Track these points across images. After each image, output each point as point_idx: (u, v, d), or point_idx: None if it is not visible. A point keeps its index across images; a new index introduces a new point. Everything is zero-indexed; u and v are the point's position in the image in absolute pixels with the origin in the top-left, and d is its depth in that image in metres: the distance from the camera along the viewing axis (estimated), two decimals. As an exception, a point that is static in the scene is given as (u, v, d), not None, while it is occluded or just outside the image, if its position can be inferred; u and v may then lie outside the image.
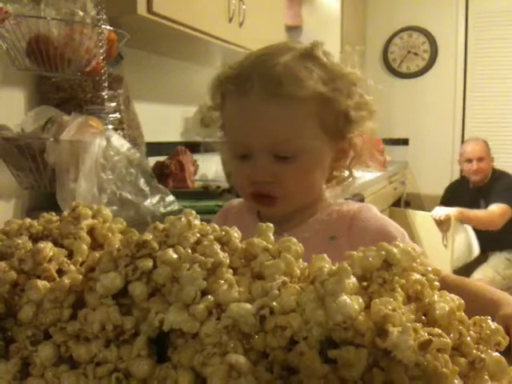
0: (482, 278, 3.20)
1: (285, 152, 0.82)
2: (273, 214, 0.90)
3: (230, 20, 2.15)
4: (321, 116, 0.83)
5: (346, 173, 0.93)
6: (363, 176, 2.28)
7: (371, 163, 0.95)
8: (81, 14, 1.40)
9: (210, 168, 2.56)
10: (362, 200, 2.27)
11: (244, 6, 2.23)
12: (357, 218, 0.89)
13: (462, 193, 3.54)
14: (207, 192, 2.09)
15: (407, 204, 4.08)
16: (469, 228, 3.41)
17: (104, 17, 1.44)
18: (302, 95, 0.81)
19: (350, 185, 0.94)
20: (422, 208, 4.07)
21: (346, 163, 0.92)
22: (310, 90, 0.81)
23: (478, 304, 0.72)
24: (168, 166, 2.11)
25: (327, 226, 0.90)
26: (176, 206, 1.51)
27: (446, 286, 0.79)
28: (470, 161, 3.42)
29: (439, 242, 3.32)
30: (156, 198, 1.48)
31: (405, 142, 4.32)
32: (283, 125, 0.82)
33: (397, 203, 3.82)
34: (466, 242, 3.42)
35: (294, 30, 3.61)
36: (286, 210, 0.90)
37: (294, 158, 0.83)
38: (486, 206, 3.32)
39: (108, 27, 1.45)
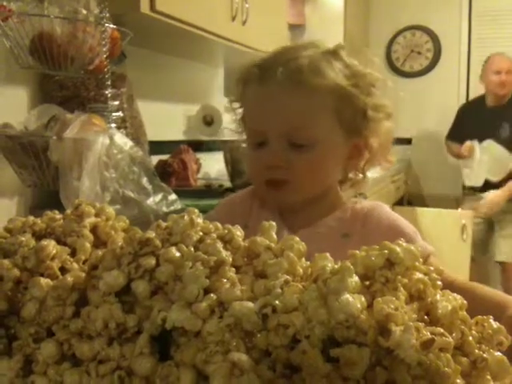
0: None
1: (300, 139, 0.84)
2: (282, 202, 0.90)
3: (233, 18, 2.15)
4: (339, 109, 0.84)
5: (360, 176, 0.94)
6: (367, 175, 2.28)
7: (383, 164, 0.96)
8: (84, 12, 1.40)
9: (212, 167, 2.56)
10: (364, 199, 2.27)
11: (247, 5, 2.23)
12: (370, 215, 0.90)
13: (478, 113, 3.43)
14: (210, 191, 2.10)
15: (409, 203, 4.07)
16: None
17: (107, 15, 1.44)
18: (321, 86, 0.83)
19: (362, 186, 0.95)
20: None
21: (360, 163, 0.92)
22: (331, 82, 0.83)
23: (485, 306, 0.72)
24: (171, 165, 2.11)
25: (341, 223, 0.91)
26: (179, 205, 1.51)
27: (453, 290, 0.80)
28: (498, 72, 3.33)
29: (456, 238, 3.29)
30: (159, 197, 1.48)
31: (408, 141, 4.31)
32: (300, 112, 0.84)
33: (399, 203, 3.81)
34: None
35: (296, 28, 3.61)
36: (295, 199, 0.90)
37: (308, 147, 0.84)
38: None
39: (111, 25, 1.45)
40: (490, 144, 3.30)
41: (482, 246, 3.45)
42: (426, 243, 0.88)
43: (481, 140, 3.31)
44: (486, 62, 3.49)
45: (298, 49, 0.87)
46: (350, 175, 0.94)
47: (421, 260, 0.47)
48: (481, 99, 3.52)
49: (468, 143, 3.36)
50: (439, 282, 0.47)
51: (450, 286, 0.81)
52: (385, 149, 0.92)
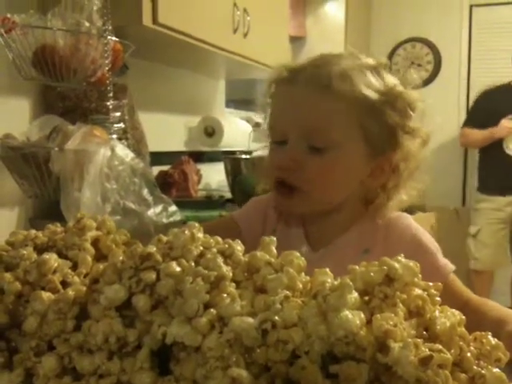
0: None
1: (318, 141, 0.82)
2: (289, 210, 0.89)
3: (235, 31, 2.17)
4: (365, 123, 0.82)
5: (385, 199, 0.89)
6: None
7: (410, 193, 0.90)
8: (87, 24, 1.41)
9: (213, 178, 2.57)
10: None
11: (248, 17, 2.25)
12: (393, 228, 0.89)
13: (507, 94, 3.34)
14: (210, 201, 2.10)
15: (411, 213, 4.06)
16: None
17: (110, 27, 1.45)
18: (349, 93, 0.81)
19: (385, 210, 0.89)
20: (427, 218, 4.05)
21: (384, 184, 0.88)
22: (359, 93, 0.81)
23: (485, 322, 0.72)
24: (171, 176, 2.12)
25: (361, 237, 0.89)
26: (179, 216, 1.52)
27: (467, 311, 0.80)
28: None
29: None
30: (159, 208, 1.48)
31: (408, 152, 4.31)
32: (322, 115, 0.83)
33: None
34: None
35: (298, 40, 3.63)
36: (302, 209, 0.88)
37: (324, 152, 0.82)
38: None
39: (113, 38, 1.46)
40: None
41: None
42: (447, 261, 0.87)
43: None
44: None
45: (335, 57, 0.87)
46: (373, 196, 0.89)
47: (420, 276, 0.47)
48: (507, 85, 3.43)
49: (504, 120, 3.25)
50: (438, 298, 0.47)
51: (466, 304, 0.82)
52: (411, 175, 0.88)
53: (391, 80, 0.86)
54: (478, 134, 3.41)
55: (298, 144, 0.83)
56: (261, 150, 1.00)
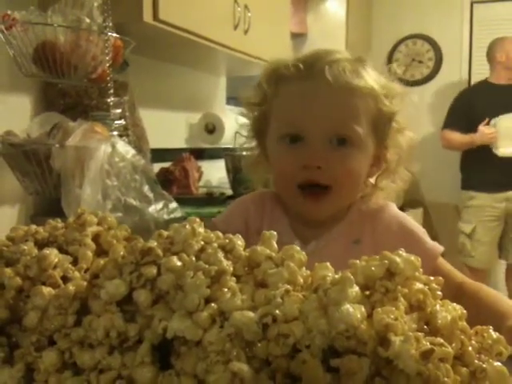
0: None
1: (342, 135, 0.82)
2: (318, 213, 0.87)
3: (236, 27, 2.16)
4: (374, 115, 0.84)
5: (371, 187, 0.91)
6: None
7: (398, 182, 0.93)
8: (87, 21, 1.41)
9: (214, 175, 2.57)
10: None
11: (249, 14, 2.24)
12: (379, 217, 0.90)
13: (487, 93, 3.36)
14: (211, 198, 2.10)
15: (412, 208, 4.06)
16: None
17: (110, 24, 1.45)
18: (363, 88, 0.83)
19: (372, 198, 0.91)
20: (426, 215, 4.05)
21: (375, 173, 0.91)
22: (369, 85, 0.83)
23: (486, 314, 0.72)
24: (172, 173, 2.12)
25: (350, 228, 0.90)
26: (179, 213, 1.52)
27: (461, 294, 0.80)
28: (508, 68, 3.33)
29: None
30: (160, 205, 1.48)
31: (409, 149, 4.31)
32: (345, 109, 0.83)
33: (399, 210, 3.80)
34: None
35: (299, 37, 3.62)
36: (333, 209, 0.87)
37: (347, 145, 0.83)
38: None
39: (114, 34, 1.46)
40: (505, 116, 3.25)
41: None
42: (435, 243, 0.89)
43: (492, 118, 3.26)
44: (498, 42, 3.44)
45: (332, 52, 0.87)
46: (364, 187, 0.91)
47: (421, 270, 0.47)
48: (483, 82, 3.48)
49: (482, 126, 3.26)
50: (439, 292, 0.47)
51: (458, 287, 0.82)
52: (400, 164, 0.90)
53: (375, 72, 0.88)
54: (459, 139, 3.41)
55: (323, 141, 0.82)
56: (248, 148, 0.97)
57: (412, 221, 0.92)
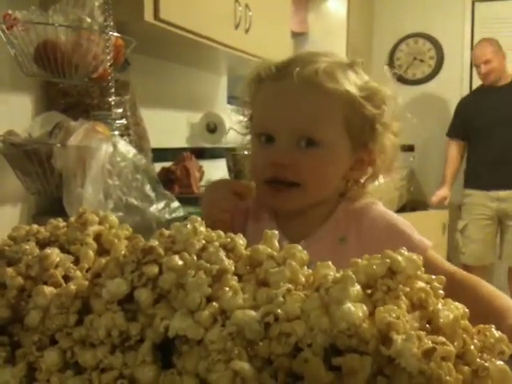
0: None
1: (308, 139, 0.84)
2: (283, 206, 0.89)
3: (237, 26, 2.16)
4: (348, 118, 0.85)
5: (360, 190, 0.93)
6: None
7: (386, 177, 0.96)
8: (88, 20, 1.41)
9: (215, 174, 2.57)
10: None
11: (250, 13, 2.24)
12: (364, 215, 0.91)
13: (486, 95, 3.44)
14: (213, 198, 2.09)
15: (412, 210, 4.06)
16: None
17: (111, 23, 1.45)
18: (334, 90, 0.83)
19: (360, 198, 0.94)
20: (428, 215, 4.05)
21: (361, 177, 0.92)
22: (343, 89, 0.84)
23: (484, 310, 0.72)
24: (174, 172, 2.12)
25: (336, 226, 0.91)
26: (181, 212, 1.52)
27: (454, 284, 0.80)
28: (477, 66, 3.42)
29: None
30: (161, 204, 1.48)
31: (410, 148, 4.31)
32: (313, 111, 0.85)
33: (402, 210, 3.80)
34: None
35: (300, 36, 3.62)
36: (298, 205, 0.89)
37: (315, 146, 0.84)
38: None
39: (115, 34, 1.46)
40: None
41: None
42: (423, 238, 0.89)
43: (496, 119, 3.32)
44: (472, 53, 3.55)
45: (316, 54, 0.88)
46: (350, 187, 0.93)
47: (423, 269, 0.47)
48: (480, 87, 3.56)
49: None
50: (441, 291, 0.47)
51: (450, 277, 0.82)
52: (388, 166, 0.92)
53: (366, 77, 0.89)
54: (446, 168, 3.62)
55: (290, 140, 0.84)
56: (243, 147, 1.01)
57: (398, 217, 0.92)
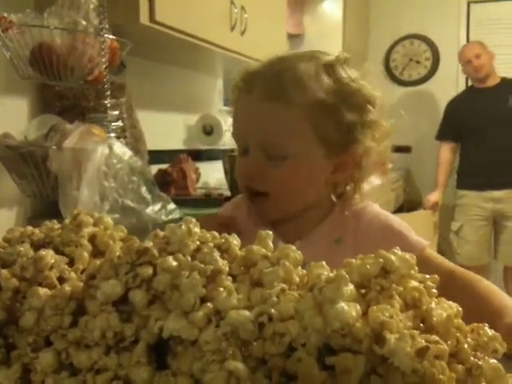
0: None
1: (274, 152, 0.85)
2: (262, 216, 0.91)
3: (232, 29, 2.17)
4: (319, 125, 0.84)
5: (353, 192, 0.93)
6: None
7: (376, 177, 0.96)
8: (83, 23, 1.41)
9: (211, 176, 2.57)
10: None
11: (246, 15, 2.25)
12: (361, 216, 0.91)
13: (475, 97, 3.47)
14: (209, 200, 2.10)
15: (409, 211, 4.07)
16: None
17: (107, 26, 1.45)
18: (300, 99, 0.82)
19: (355, 202, 0.93)
20: (424, 216, 4.05)
21: (348, 179, 0.91)
22: (311, 97, 0.82)
23: (482, 307, 0.72)
24: (170, 174, 2.12)
25: (332, 227, 0.91)
26: (177, 214, 1.52)
27: (453, 281, 0.80)
28: (469, 61, 3.43)
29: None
30: (158, 206, 1.48)
31: (407, 149, 4.32)
32: (275, 127, 0.84)
33: (398, 211, 3.81)
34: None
35: (295, 38, 3.63)
36: (274, 215, 0.90)
37: (283, 160, 0.84)
38: None
39: (111, 36, 1.46)
40: None
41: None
42: (420, 237, 0.89)
43: (488, 120, 3.34)
44: (458, 55, 3.57)
45: (291, 60, 0.87)
46: (341, 189, 0.93)
47: (416, 269, 0.47)
48: (469, 89, 3.58)
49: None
50: (434, 290, 0.47)
51: (450, 275, 0.82)
52: (378, 166, 0.91)
53: (348, 75, 0.86)
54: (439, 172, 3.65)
55: (258, 153, 0.85)
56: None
57: (395, 218, 0.92)
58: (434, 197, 3.61)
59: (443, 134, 3.61)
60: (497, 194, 3.34)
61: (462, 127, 3.44)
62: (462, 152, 3.52)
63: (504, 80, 3.46)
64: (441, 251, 3.63)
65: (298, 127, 0.84)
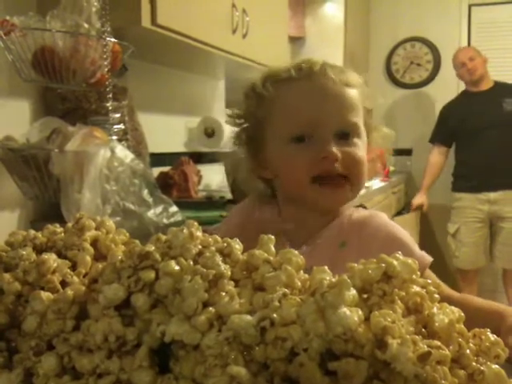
0: None
1: (348, 128, 0.86)
2: (338, 201, 0.89)
3: (234, 31, 2.17)
4: (363, 107, 0.90)
5: None
6: (366, 186, 2.29)
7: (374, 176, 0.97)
8: (86, 26, 1.41)
9: (213, 178, 2.57)
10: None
11: (247, 18, 2.25)
12: (367, 223, 0.90)
13: (470, 100, 3.49)
14: (211, 202, 2.10)
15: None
16: None
17: (109, 29, 1.45)
18: (357, 83, 0.89)
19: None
20: (425, 218, 4.06)
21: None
22: (360, 81, 0.90)
23: (482, 316, 0.72)
24: (172, 177, 2.12)
25: (338, 232, 0.91)
26: (179, 217, 1.52)
27: (449, 303, 0.80)
28: (463, 64, 3.45)
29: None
30: (159, 209, 1.48)
31: (408, 152, 4.32)
32: (350, 105, 0.87)
33: (400, 213, 3.81)
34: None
35: (297, 41, 3.63)
36: (347, 199, 0.89)
37: (353, 137, 0.87)
38: None
39: (113, 39, 1.46)
40: None
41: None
42: (424, 253, 0.88)
43: (483, 123, 3.36)
44: (453, 60, 3.59)
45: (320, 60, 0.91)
46: None
47: (418, 273, 0.47)
48: (463, 93, 3.60)
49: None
50: (436, 295, 0.47)
51: (448, 301, 0.82)
52: (373, 166, 0.94)
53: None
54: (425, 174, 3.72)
55: (333, 135, 0.85)
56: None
57: (401, 230, 0.91)
58: (418, 200, 3.69)
59: (436, 138, 3.64)
60: (492, 195, 3.35)
61: (457, 131, 3.46)
62: (457, 155, 3.54)
63: (497, 84, 3.49)
64: (440, 253, 3.64)
65: (360, 108, 0.89)
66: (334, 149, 0.84)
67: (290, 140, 0.86)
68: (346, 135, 0.86)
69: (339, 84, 0.87)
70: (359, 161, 0.86)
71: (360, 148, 0.87)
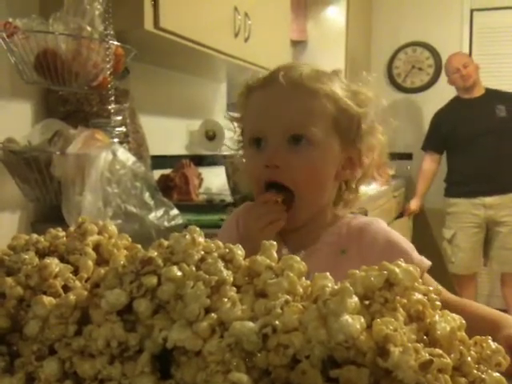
0: None
1: (298, 134, 0.86)
2: (289, 223, 0.89)
3: (236, 35, 2.17)
4: (336, 117, 0.87)
5: (352, 195, 0.95)
6: (366, 191, 2.29)
7: (378, 179, 0.98)
8: (88, 29, 1.42)
9: (214, 181, 2.57)
10: (365, 215, 2.28)
11: (249, 21, 2.25)
12: (366, 230, 0.91)
13: (462, 107, 3.50)
14: (211, 205, 2.10)
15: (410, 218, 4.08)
16: None
17: (111, 32, 1.46)
18: (320, 90, 0.86)
19: (355, 204, 0.97)
20: (425, 222, 4.05)
21: (352, 177, 0.93)
22: (329, 89, 0.87)
23: (479, 325, 0.72)
24: (173, 179, 2.12)
25: (338, 239, 0.91)
26: (180, 220, 1.52)
27: (446, 307, 0.80)
28: (457, 70, 3.45)
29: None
30: (160, 212, 1.48)
31: (408, 156, 4.32)
32: (300, 111, 0.87)
33: (400, 218, 3.81)
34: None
35: (299, 44, 3.63)
36: (301, 218, 0.89)
37: (305, 144, 0.86)
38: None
39: (115, 42, 1.47)
40: None
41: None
42: (423, 258, 0.89)
43: (476, 130, 3.37)
44: (445, 66, 3.61)
45: (298, 63, 0.92)
46: (342, 194, 0.95)
47: (420, 281, 0.47)
48: (455, 99, 3.61)
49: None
50: (438, 303, 0.47)
51: (445, 305, 0.82)
52: (378, 165, 0.94)
53: (348, 82, 0.93)
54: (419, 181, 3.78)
55: (281, 140, 0.86)
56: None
57: (399, 235, 0.92)
58: (413, 205, 3.74)
59: (428, 145, 3.66)
60: (488, 200, 3.36)
61: (450, 137, 3.48)
62: (450, 161, 3.56)
63: (488, 90, 3.50)
64: (435, 257, 3.64)
65: (320, 114, 0.87)
66: (276, 156, 0.85)
67: (249, 143, 0.90)
68: (297, 140, 0.86)
69: (290, 90, 0.86)
70: (306, 170, 0.86)
71: (311, 156, 0.86)
